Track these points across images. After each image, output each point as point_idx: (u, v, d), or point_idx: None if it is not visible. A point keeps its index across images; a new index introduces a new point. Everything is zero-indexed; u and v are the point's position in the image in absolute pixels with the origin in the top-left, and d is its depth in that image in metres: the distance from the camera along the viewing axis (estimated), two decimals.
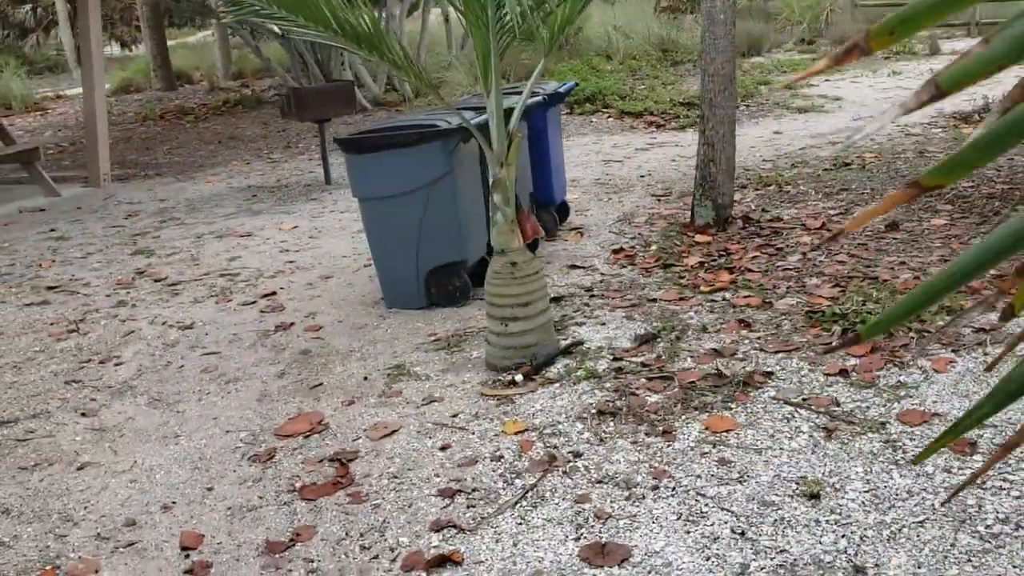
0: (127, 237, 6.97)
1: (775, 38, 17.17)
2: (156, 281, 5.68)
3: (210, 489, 3.12)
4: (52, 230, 7.42)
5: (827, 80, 12.37)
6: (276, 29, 13.64)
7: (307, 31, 3.32)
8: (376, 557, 2.63)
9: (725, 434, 3.09)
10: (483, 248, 4.98)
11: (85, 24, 9.46)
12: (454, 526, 2.72)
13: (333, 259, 5.91)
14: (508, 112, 4.90)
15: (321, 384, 3.90)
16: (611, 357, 3.78)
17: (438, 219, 4.64)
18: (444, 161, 4.56)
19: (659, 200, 6.66)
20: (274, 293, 5.25)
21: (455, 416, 3.45)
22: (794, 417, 3.16)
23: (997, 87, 10.44)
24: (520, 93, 5.59)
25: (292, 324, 4.71)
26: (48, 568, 2.72)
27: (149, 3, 17.80)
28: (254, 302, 5.12)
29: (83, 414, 3.80)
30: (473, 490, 2.91)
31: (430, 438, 3.31)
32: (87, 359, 4.45)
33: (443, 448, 3.22)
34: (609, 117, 10.71)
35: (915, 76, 12.36)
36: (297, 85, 11.43)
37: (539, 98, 5.47)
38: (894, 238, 5.06)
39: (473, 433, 3.30)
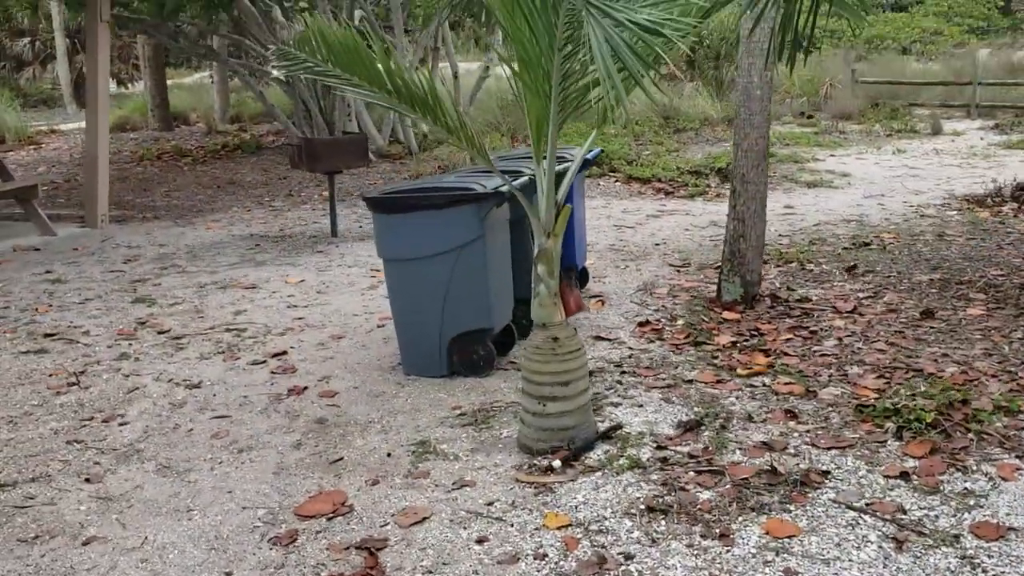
0: (127, 283, 6.73)
1: (775, 110, 17.27)
2: (159, 333, 5.44)
3: (228, 574, 2.87)
4: (48, 272, 7.17)
5: (832, 155, 12.38)
6: (280, 76, 13.57)
7: (360, 91, 3.16)
8: None
9: (787, 540, 2.88)
10: (508, 316, 4.80)
11: (93, 65, 9.31)
12: None
13: (344, 317, 5.70)
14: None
15: (341, 459, 3.66)
16: (654, 445, 3.57)
17: (466, 284, 4.45)
18: (476, 225, 4.39)
19: (678, 271, 6.51)
20: (284, 353, 5.02)
21: (490, 504, 3.22)
22: (859, 524, 2.95)
23: (1004, 170, 10.50)
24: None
25: (305, 388, 4.48)
26: None
27: (151, 43, 17.70)
28: (264, 361, 4.89)
29: (87, 479, 3.54)
30: None
31: (464, 528, 3.08)
32: (89, 416, 4.19)
33: (480, 541, 2.99)
34: (617, 181, 10.62)
35: (920, 155, 12.41)
36: (308, 135, 11.28)
37: (567, 162, 5.33)
38: (931, 327, 4.91)
39: (512, 525, 3.07)
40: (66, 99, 24.43)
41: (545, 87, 3.09)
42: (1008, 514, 2.97)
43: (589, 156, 5.88)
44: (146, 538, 3.10)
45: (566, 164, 5.28)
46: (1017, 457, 3.35)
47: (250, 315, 5.79)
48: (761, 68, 5.18)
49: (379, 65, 3.00)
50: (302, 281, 6.66)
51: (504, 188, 4.48)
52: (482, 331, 4.53)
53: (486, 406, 4.14)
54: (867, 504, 3.06)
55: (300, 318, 5.70)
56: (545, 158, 3.43)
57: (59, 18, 24.25)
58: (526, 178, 4.59)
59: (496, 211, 4.53)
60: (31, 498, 3.41)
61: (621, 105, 2.47)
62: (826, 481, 3.24)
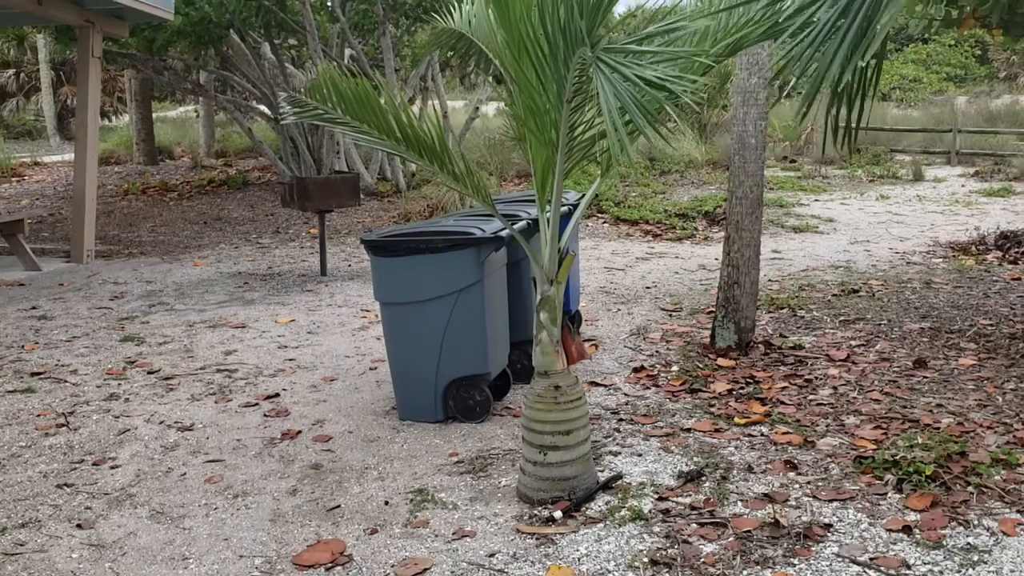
0: (114, 321, 6.67)
1: None
2: (149, 373, 5.38)
3: None
4: (34, 307, 7.09)
5: (817, 200, 12.51)
6: (270, 113, 13.61)
7: (370, 138, 3.16)
8: None
9: None
10: (504, 360, 4.78)
11: (83, 100, 9.30)
12: None
13: (335, 359, 5.66)
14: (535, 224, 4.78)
15: (339, 506, 3.61)
16: (655, 496, 3.55)
17: (463, 329, 4.43)
18: (475, 269, 4.38)
19: (670, 315, 6.53)
20: (277, 395, 4.97)
21: (492, 556, 3.18)
22: None
23: (987, 218, 10.64)
24: (531, 201, 5.50)
25: (299, 432, 4.43)
26: None
27: (138, 78, 17.72)
28: (256, 404, 4.84)
29: (79, 525, 3.47)
30: None
31: None
32: (79, 459, 4.12)
33: None
34: (605, 223, 10.67)
35: (903, 201, 12.56)
36: (296, 172, 11.29)
37: (566, 208, 5.35)
38: (924, 376, 4.94)
39: None
40: (50, 131, 24.37)
41: (552, 136, 3.11)
42: (1012, 571, 2.96)
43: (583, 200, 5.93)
44: None
45: (564, 209, 5.32)
46: (1018, 512, 3.35)
47: (241, 355, 5.74)
48: (756, 117, 5.24)
49: (390, 115, 3.01)
50: (292, 321, 6.62)
51: (504, 232, 4.49)
52: (479, 376, 4.51)
53: (483, 453, 4.10)
54: (871, 559, 3.05)
55: (291, 359, 5.65)
56: (549, 205, 3.44)
57: (45, 51, 24.26)
58: (524, 223, 4.60)
59: (495, 255, 4.53)
60: (21, 544, 3.34)
61: (626, 156, 2.48)
62: (828, 534, 3.23)
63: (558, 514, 3.42)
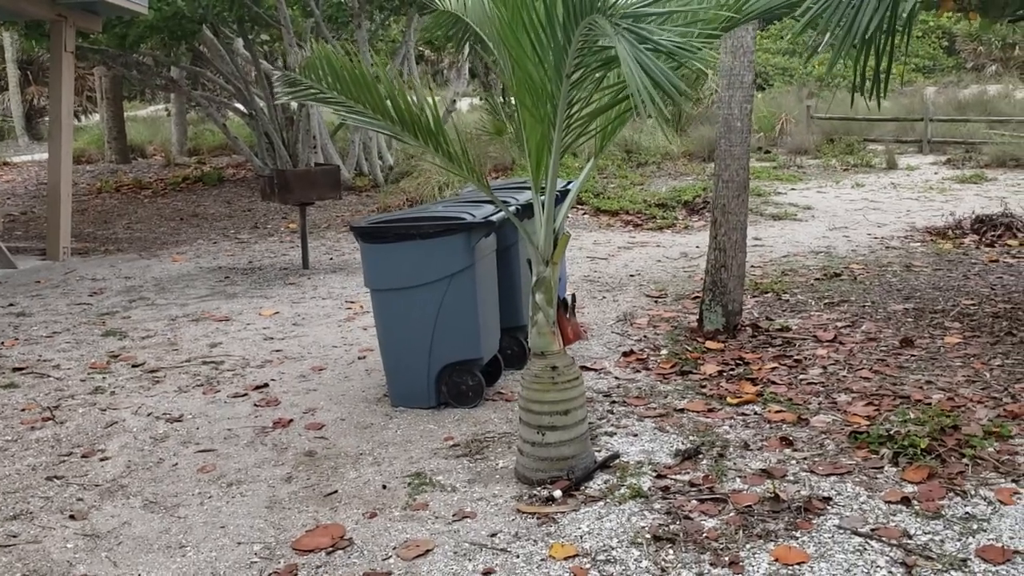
0: (94, 316, 6.58)
1: None
2: (134, 367, 5.31)
3: None
4: (11, 304, 6.98)
5: (794, 189, 12.59)
6: (244, 108, 13.49)
7: (363, 118, 3.13)
8: None
9: (798, 567, 2.86)
10: (496, 346, 4.76)
11: (57, 95, 9.18)
12: None
13: (323, 349, 5.62)
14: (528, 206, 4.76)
15: (336, 492, 3.58)
16: (654, 474, 3.55)
17: (455, 314, 4.41)
18: (466, 255, 4.36)
19: (656, 301, 6.54)
20: (266, 385, 4.92)
21: (493, 536, 3.16)
22: (866, 549, 2.95)
23: (961, 204, 10.75)
24: (523, 188, 5.49)
25: (291, 421, 4.39)
26: None
27: (109, 75, 17.50)
28: (245, 394, 4.79)
29: (71, 516, 3.42)
30: None
31: (470, 560, 3.02)
32: (67, 452, 4.06)
33: (486, 573, 2.93)
34: (585, 214, 10.68)
35: (878, 188, 12.67)
36: (281, 167, 11.19)
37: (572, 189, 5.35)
38: (912, 355, 4.97)
39: (517, 556, 3.02)
40: (18, 131, 24.01)
41: (548, 111, 3.09)
42: (1012, 538, 2.99)
43: (570, 187, 5.92)
44: None
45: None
46: (1013, 481, 3.38)
47: (226, 347, 5.68)
48: (741, 100, 5.25)
49: (385, 95, 2.98)
50: (276, 313, 6.56)
51: (495, 217, 4.47)
52: (471, 361, 4.49)
53: (479, 436, 4.09)
54: (872, 530, 3.07)
55: (278, 350, 5.60)
56: (544, 185, 3.43)
57: (11, 49, 23.88)
58: (513, 208, 4.59)
59: (485, 241, 4.52)
60: (14, 536, 3.28)
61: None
62: (828, 507, 3.24)
63: (557, 493, 3.41)
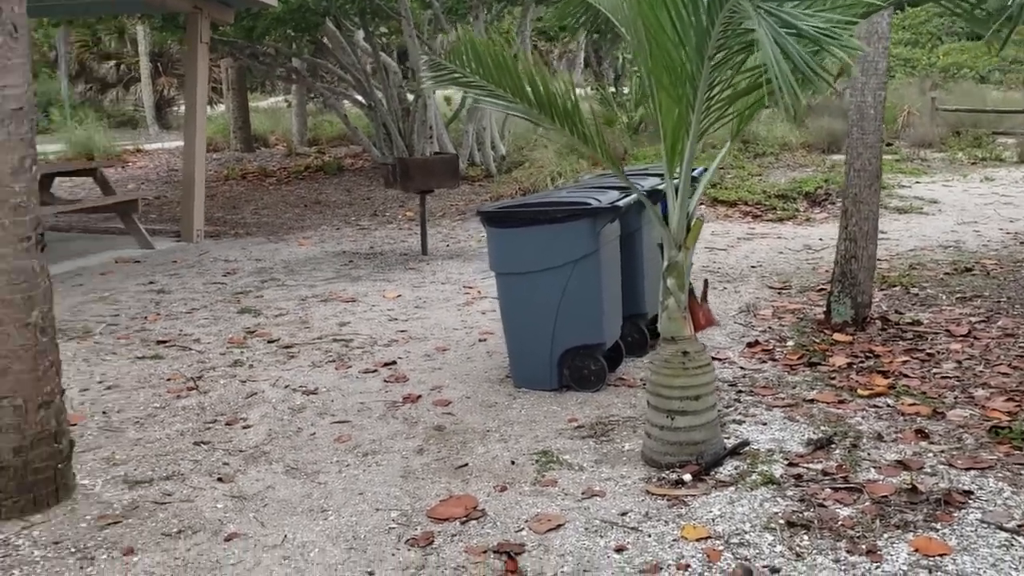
0: (229, 295, 6.88)
1: None
2: (269, 342, 5.54)
3: (371, 573, 2.90)
4: (151, 282, 7.36)
5: (918, 182, 12.17)
6: (363, 100, 13.83)
7: (502, 102, 3.21)
8: None
9: (939, 559, 2.81)
10: (618, 332, 4.79)
11: (192, 85, 9.61)
12: None
13: (444, 331, 5.75)
14: (652, 193, 4.76)
15: (466, 465, 3.68)
16: (785, 462, 3.53)
17: (578, 299, 4.46)
18: (591, 240, 4.40)
19: (779, 293, 6.44)
20: (394, 363, 5.07)
21: (624, 515, 3.20)
22: (1012, 545, 2.87)
23: None
24: (649, 175, 5.48)
25: (419, 396, 4.52)
26: None
27: (235, 66, 18.18)
28: (375, 370, 4.95)
29: (219, 479, 3.61)
30: None
31: (601, 537, 3.06)
32: (212, 419, 4.28)
33: (618, 550, 2.97)
34: (702, 204, 10.56)
35: (1010, 183, 12.13)
36: (389, 156, 11.46)
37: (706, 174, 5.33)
38: None
39: (649, 535, 3.05)
40: (149, 120, 25.14)
41: (688, 93, 3.10)
42: None
43: (695, 174, 5.89)
44: (285, 536, 3.14)
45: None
46: None
47: (354, 327, 5.87)
48: (875, 87, 5.13)
49: (524, 79, 3.05)
50: (399, 296, 6.74)
51: (621, 202, 4.50)
52: (594, 346, 4.53)
53: (603, 420, 4.13)
54: (1019, 526, 2.98)
55: (403, 330, 5.76)
56: (679, 168, 3.44)
57: (144, 43, 25.01)
58: (634, 196, 4.60)
59: (609, 226, 4.54)
60: (168, 495, 3.48)
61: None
62: (969, 501, 3.16)
63: (687, 477, 3.42)
